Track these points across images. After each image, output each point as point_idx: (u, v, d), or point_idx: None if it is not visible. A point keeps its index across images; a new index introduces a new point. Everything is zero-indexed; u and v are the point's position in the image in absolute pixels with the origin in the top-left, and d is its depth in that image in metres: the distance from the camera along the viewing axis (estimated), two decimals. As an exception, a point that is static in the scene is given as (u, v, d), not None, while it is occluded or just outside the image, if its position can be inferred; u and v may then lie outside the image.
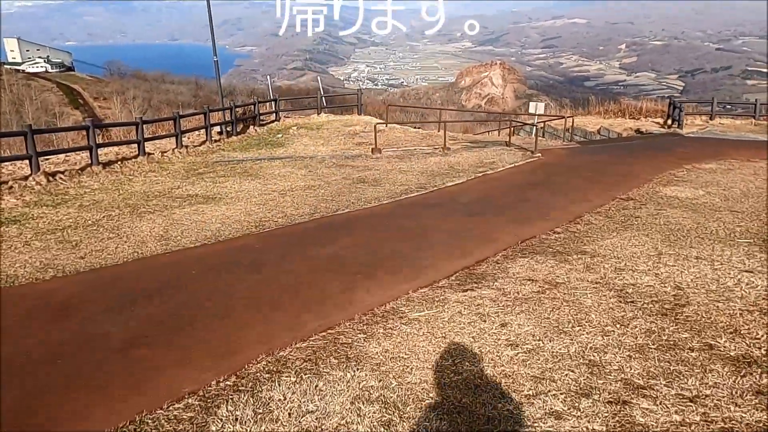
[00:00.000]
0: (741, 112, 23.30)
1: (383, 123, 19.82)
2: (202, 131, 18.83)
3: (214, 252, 6.81)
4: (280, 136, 20.30)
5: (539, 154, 14.56)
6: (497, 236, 7.24)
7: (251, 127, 21.66)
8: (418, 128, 21.68)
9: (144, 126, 19.00)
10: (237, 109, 21.51)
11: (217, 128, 20.19)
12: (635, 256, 6.11)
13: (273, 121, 23.26)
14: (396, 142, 17.83)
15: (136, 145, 15.32)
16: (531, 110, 19.07)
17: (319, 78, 28.32)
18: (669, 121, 19.90)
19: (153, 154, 15.61)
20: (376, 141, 16.15)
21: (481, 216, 8.45)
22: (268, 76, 26.63)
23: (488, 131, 23.14)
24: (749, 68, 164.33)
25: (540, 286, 5.17)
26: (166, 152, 16.07)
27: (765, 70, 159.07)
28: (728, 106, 22.50)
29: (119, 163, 14.14)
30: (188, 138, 19.26)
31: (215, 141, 18.81)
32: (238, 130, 20.64)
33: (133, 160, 14.74)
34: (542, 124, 19.20)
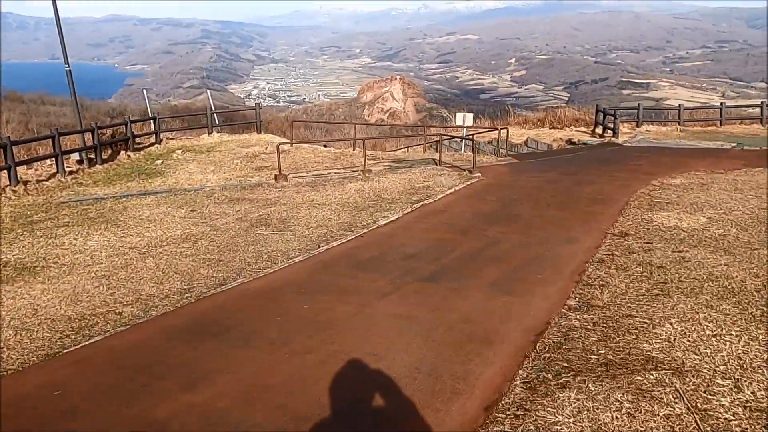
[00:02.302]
0: (656, 118, 22.75)
1: (288, 142, 16.65)
2: (56, 160, 14.61)
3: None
4: (159, 162, 16.47)
5: (479, 174, 12.13)
6: (489, 327, 4.43)
7: (123, 152, 17.56)
8: (329, 147, 18.71)
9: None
10: (103, 131, 17.36)
11: (76, 156, 16.02)
12: (746, 367, 3.53)
13: (153, 144, 19.22)
14: (304, 164, 14.73)
15: (-60, 186, 11.03)
16: (458, 122, 16.77)
17: (209, 92, 24.47)
18: (599, 130, 18.54)
19: (-31, 196, 11.37)
20: (280, 165, 12.99)
21: (446, 282, 5.62)
22: (144, 91, 22.43)
23: (407, 147, 20.69)
24: (623, 79, 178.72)
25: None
26: (-9, 192, 11.86)
27: (637, 80, 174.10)
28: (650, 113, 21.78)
29: None
30: (35, 170, 14.99)
31: (71, 173, 14.69)
32: (105, 157, 16.52)
33: (-66, 207, 10.48)
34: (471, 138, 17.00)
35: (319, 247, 7.32)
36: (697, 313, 4.47)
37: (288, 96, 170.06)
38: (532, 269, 5.93)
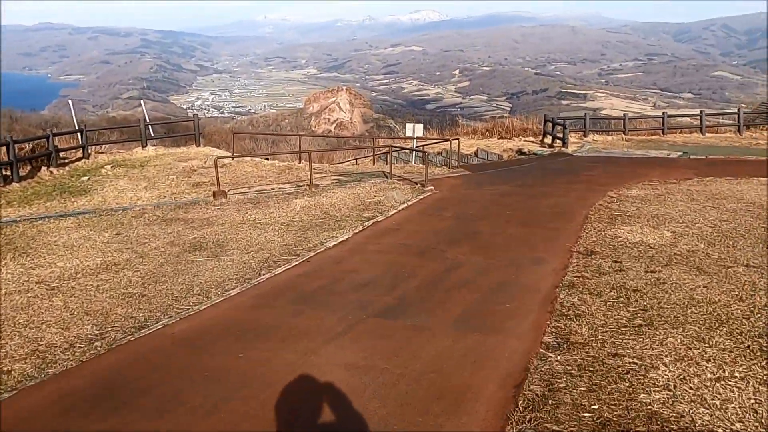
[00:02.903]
0: (600, 127, 23.11)
1: (228, 156, 15.62)
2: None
3: None
4: (86, 179, 15.08)
5: (432, 187, 11.57)
6: (460, 378, 3.76)
7: (44, 168, 15.98)
8: (273, 160, 17.77)
9: None
10: (21, 145, 15.78)
11: (-11, 173, 14.39)
12: (766, 423, 2.99)
13: (80, 159, 17.67)
14: (246, 179, 13.77)
15: None
16: (408, 133, 16.26)
17: (143, 102, 23.00)
18: (548, 140, 18.48)
19: None
20: (219, 180, 12.00)
21: (406, 318, 4.92)
22: (71, 101, 20.72)
23: (356, 159, 20.00)
24: (562, 90, 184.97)
25: None
26: None
27: (576, 91, 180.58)
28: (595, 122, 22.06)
29: None
30: (-61, 190, 13.33)
31: (-19, 192, 13.14)
32: (23, 174, 14.95)
33: None
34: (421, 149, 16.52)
35: (259, 275, 6.49)
36: (690, 348, 3.96)
37: (233, 107, 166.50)
38: (499, 298, 5.33)
